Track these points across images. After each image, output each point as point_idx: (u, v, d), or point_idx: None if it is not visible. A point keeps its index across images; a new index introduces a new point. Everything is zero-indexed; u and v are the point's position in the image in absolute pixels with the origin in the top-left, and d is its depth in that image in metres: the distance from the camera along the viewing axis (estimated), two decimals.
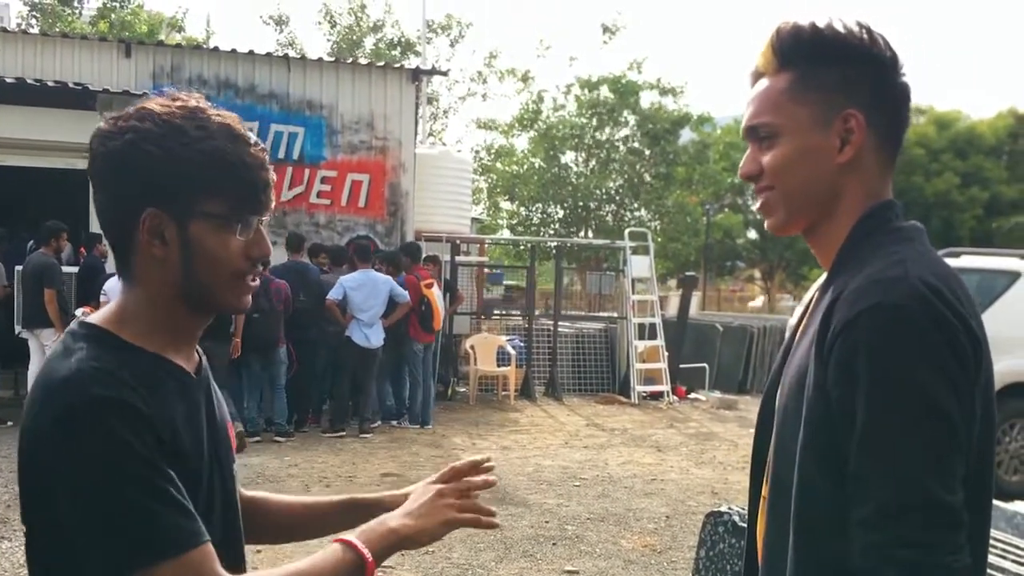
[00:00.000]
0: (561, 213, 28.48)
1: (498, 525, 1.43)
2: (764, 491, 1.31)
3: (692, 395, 12.66)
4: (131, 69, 10.52)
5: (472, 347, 11.57)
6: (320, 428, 9.00)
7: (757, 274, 38.90)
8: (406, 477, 7.17)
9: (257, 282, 1.27)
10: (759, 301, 36.94)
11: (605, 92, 27.56)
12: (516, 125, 28.60)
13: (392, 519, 1.28)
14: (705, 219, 29.61)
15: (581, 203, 27.60)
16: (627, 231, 14.20)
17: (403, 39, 27.43)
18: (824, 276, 1.31)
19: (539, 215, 28.69)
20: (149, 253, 1.18)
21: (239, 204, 1.19)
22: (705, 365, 13.42)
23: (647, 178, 27.80)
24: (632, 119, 27.71)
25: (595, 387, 12.82)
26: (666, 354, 12.27)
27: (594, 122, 27.63)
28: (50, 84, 9.69)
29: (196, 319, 1.25)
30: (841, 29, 1.25)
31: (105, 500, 1.03)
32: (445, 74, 19.27)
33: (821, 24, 1.26)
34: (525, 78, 27.97)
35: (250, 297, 1.26)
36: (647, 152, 27.75)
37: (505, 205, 29.41)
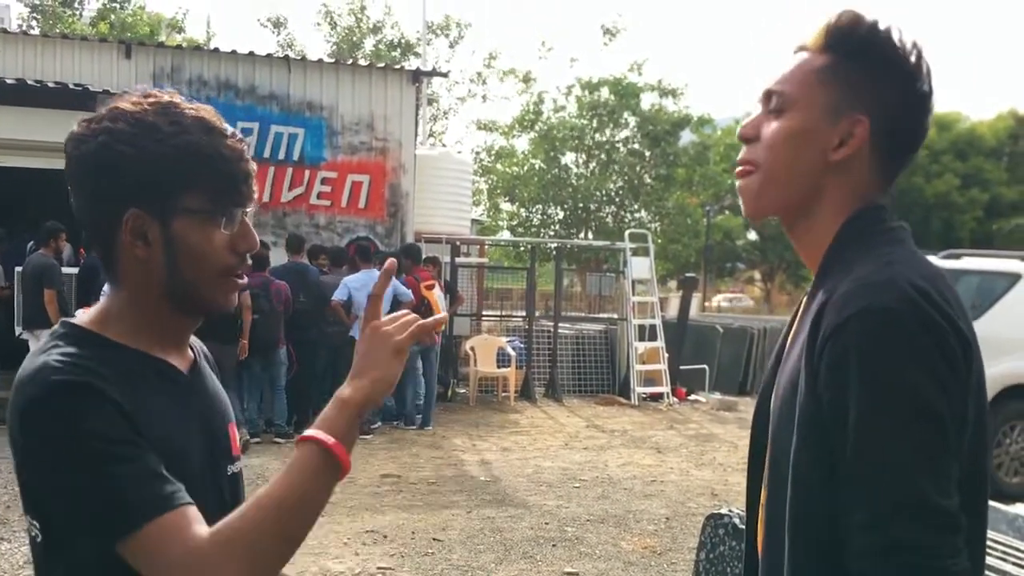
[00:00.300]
0: (561, 214, 28.50)
1: (444, 320, 1.25)
2: (762, 496, 1.31)
3: (692, 396, 12.65)
4: (131, 70, 10.53)
5: (472, 348, 11.56)
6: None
7: (757, 275, 38.90)
8: (406, 478, 7.17)
9: (245, 280, 1.25)
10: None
11: (605, 94, 27.57)
12: (516, 126, 28.61)
13: (341, 391, 1.15)
14: (705, 220, 29.62)
15: (581, 204, 27.61)
16: (627, 232, 14.20)
17: (403, 40, 27.47)
18: (813, 279, 1.31)
19: (539, 216, 28.71)
20: (132, 254, 1.17)
21: (220, 197, 1.18)
22: (705, 366, 13.42)
23: (647, 179, 27.83)
24: (632, 120, 27.73)
25: (595, 388, 12.81)
26: (666, 355, 12.27)
27: (594, 123, 27.65)
28: (50, 85, 9.70)
29: (184, 319, 1.24)
30: (896, 40, 1.24)
31: (74, 478, 1.04)
32: (445, 75, 19.29)
33: (881, 26, 1.25)
34: (526, 79, 27.99)
35: (236, 296, 1.25)
36: (647, 153, 27.77)
37: (505, 206, 29.43)
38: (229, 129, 1.21)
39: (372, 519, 5.97)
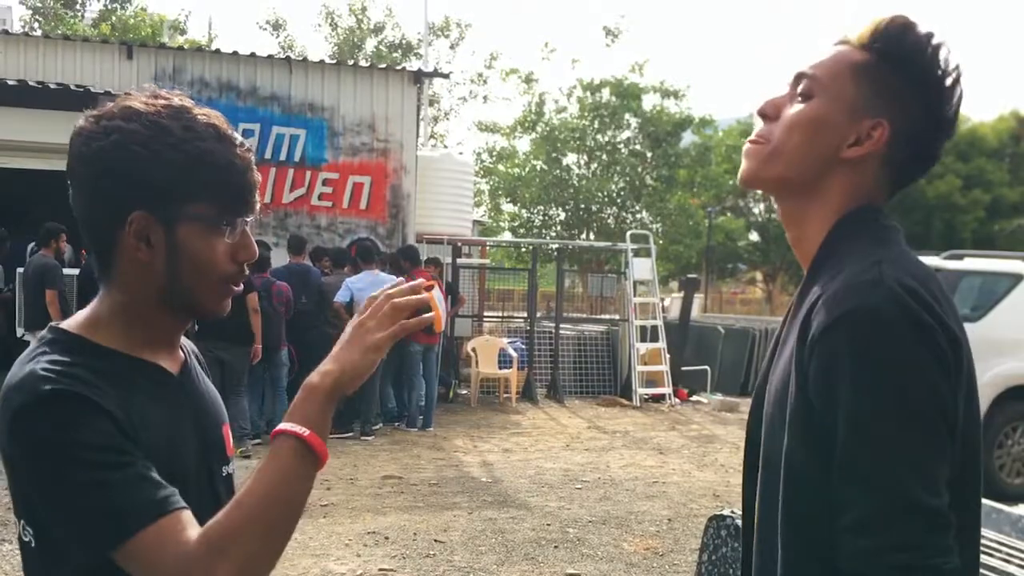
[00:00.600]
0: (563, 215, 28.49)
1: (426, 323, 1.25)
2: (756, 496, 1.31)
3: (694, 397, 12.65)
4: (133, 71, 10.54)
5: (474, 349, 11.56)
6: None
7: (759, 276, 38.87)
8: (407, 479, 7.17)
9: (240, 287, 1.25)
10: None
11: (607, 95, 27.56)
12: (518, 127, 28.61)
13: (311, 379, 1.13)
14: (707, 221, 29.59)
15: (583, 205, 27.60)
16: (629, 233, 14.19)
17: (404, 41, 27.47)
18: (804, 277, 1.30)
19: (541, 217, 28.69)
20: (133, 256, 1.16)
21: (227, 206, 1.18)
22: (707, 367, 13.42)
23: (649, 180, 27.80)
24: (634, 122, 27.71)
25: (597, 389, 12.81)
26: (668, 356, 12.26)
27: (596, 124, 27.63)
28: (52, 86, 9.71)
29: (176, 322, 1.24)
30: (940, 56, 1.24)
31: (66, 489, 1.04)
32: (447, 76, 19.26)
33: (933, 40, 1.24)
34: (528, 79, 27.98)
35: (230, 302, 1.24)
36: (649, 155, 27.75)
37: (507, 207, 29.42)
38: (239, 138, 1.21)
39: (374, 520, 5.97)
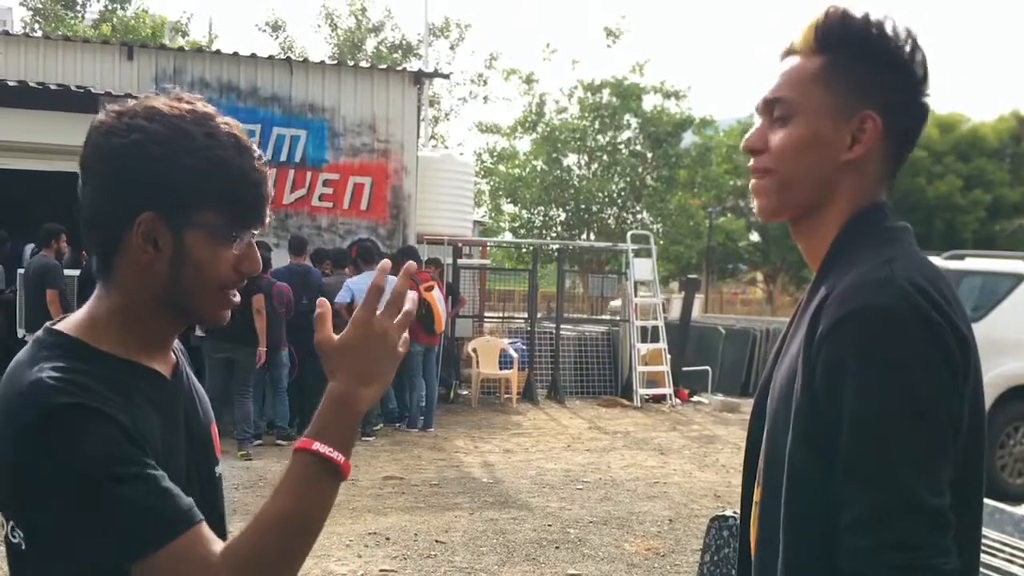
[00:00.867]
0: (563, 216, 28.46)
1: (412, 312, 1.18)
2: (756, 495, 1.31)
3: (695, 398, 12.64)
4: (133, 72, 10.54)
5: (474, 350, 11.56)
6: None
7: (759, 276, 38.86)
8: (408, 480, 7.16)
9: (238, 298, 1.24)
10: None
11: (607, 95, 27.55)
12: (518, 128, 28.60)
13: (344, 394, 1.09)
14: (707, 222, 29.59)
15: (583, 206, 27.58)
16: (629, 234, 14.19)
17: (404, 42, 27.47)
18: (813, 277, 1.30)
19: (541, 218, 28.67)
20: (137, 258, 1.15)
21: (237, 217, 1.17)
22: (708, 368, 13.41)
23: (649, 181, 27.78)
24: (634, 122, 27.69)
25: (597, 390, 12.80)
26: (668, 357, 12.26)
27: (596, 125, 27.62)
28: (52, 87, 9.70)
29: (172, 326, 1.23)
30: (890, 31, 1.23)
31: (83, 503, 1.02)
32: (447, 77, 19.26)
33: (873, 18, 1.23)
34: (529, 80, 27.97)
35: (229, 312, 1.24)
36: (649, 155, 27.73)
37: (507, 208, 29.40)
38: (257, 151, 1.20)
39: (375, 521, 5.96)
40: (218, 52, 11.27)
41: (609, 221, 27.97)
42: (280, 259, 9.26)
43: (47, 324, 1.20)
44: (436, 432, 9.37)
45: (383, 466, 7.66)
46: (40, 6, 23.97)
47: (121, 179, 1.14)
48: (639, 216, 27.85)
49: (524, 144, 29.20)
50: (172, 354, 1.27)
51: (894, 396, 1.09)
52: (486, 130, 28.90)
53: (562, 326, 12.84)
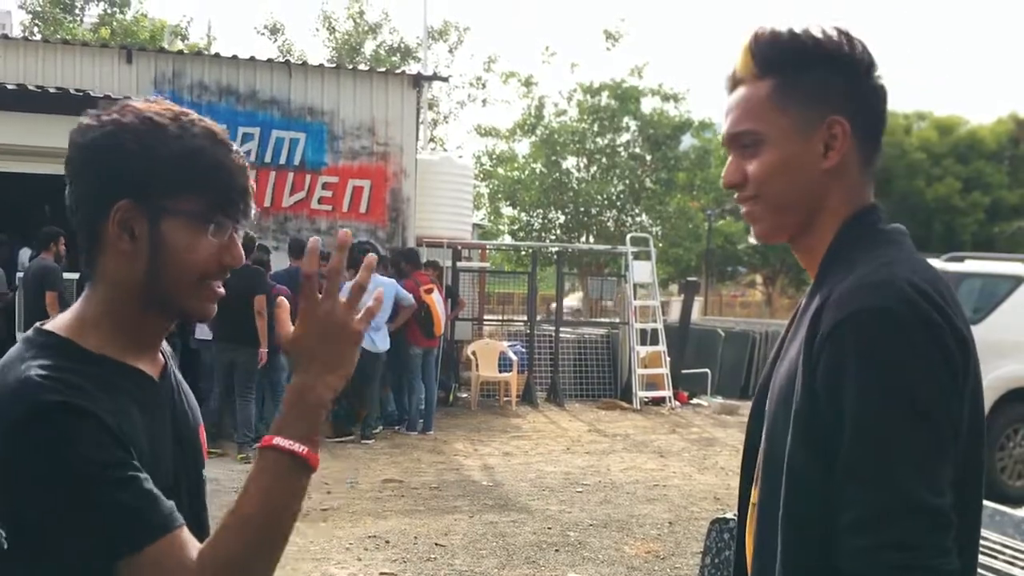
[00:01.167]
0: (562, 218, 28.45)
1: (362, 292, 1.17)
2: (753, 496, 1.31)
3: (694, 400, 12.64)
4: (132, 75, 10.54)
5: (474, 353, 11.56)
6: (322, 433, 8.98)
7: (759, 279, 38.86)
8: (408, 483, 7.16)
9: (222, 291, 1.23)
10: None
11: (606, 98, 27.56)
12: (517, 131, 28.60)
13: (304, 387, 1.09)
14: (706, 224, 29.59)
15: (582, 208, 27.57)
16: (628, 236, 14.20)
17: (402, 45, 27.47)
18: (812, 281, 1.31)
19: (540, 220, 28.66)
20: (116, 248, 1.16)
21: (213, 204, 1.17)
22: (707, 370, 13.41)
23: (648, 183, 27.79)
24: (633, 125, 27.70)
25: (597, 392, 12.80)
26: (668, 359, 12.25)
27: (595, 127, 27.63)
28: (51, 90, 9.69)
29: (158, 323, 1.23)
30: (820, 35, 1.24)
31: (71, 502, 1.03)
32: (446, 79, 19.25)
33: (799, 30, 1.25)
34: (528, 83, 27.98)
35: (215, 305, 1.23)
36: (648, 158, 27.74)
37: (506, 211, 29.39)
38: (234, 145, 1.21)
39: (374, 524, 5.96)
40: (217, 55, 11.27)
41: (608, 224, 27.96)
42: (279, 262, 9.26)
43: (36, 324, 1.20)
44: (435, 435, 9.37)
45: (382, 469, 7.66)
46: (39, 10, 23.96)
47: (94, 169, 1.16)
48: (638, 219, 27.86)
49: (523, 147, 29.21)
50: (160, 356, 1.26)
51: (894, 397, 1.09)
52: (485, 133, 28.90)
53: (561, 329, 12.84)
